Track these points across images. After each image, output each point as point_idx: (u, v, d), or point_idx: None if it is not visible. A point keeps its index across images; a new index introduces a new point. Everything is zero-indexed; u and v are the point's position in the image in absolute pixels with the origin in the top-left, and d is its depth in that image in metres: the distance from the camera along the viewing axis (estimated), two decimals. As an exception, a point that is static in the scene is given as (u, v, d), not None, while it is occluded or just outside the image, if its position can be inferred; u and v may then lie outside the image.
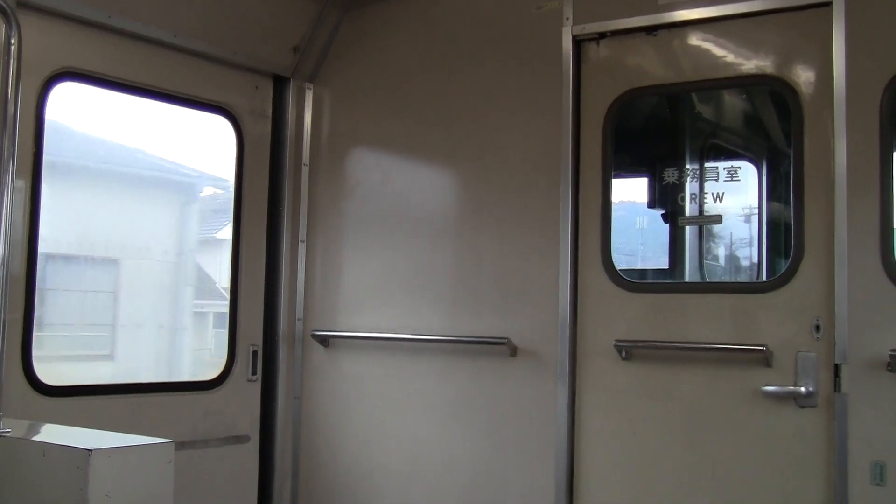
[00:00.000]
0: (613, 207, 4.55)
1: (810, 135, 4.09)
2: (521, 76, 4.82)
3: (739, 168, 4.58)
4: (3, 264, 3.61)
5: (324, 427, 5.32)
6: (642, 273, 5.34)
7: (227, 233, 5.28)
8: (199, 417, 5.02)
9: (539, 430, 4.58)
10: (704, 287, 4.94)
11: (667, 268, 5.18)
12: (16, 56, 3.74)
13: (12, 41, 3.75)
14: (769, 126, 4.89)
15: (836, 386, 3.90)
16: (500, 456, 4.72)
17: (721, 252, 5.29)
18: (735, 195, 4.52)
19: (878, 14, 3.98)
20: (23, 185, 4.21)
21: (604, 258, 4.51)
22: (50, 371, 4.39)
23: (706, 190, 4.47)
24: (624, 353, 4.40)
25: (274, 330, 5.41)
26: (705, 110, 5.10)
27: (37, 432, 3.38)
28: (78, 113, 4.98)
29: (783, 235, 4.38)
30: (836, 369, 3.90)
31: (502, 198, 4.83)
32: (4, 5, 3.71)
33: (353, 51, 5.43)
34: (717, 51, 4.37)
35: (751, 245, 5.13)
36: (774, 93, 4.40)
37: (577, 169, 4.60)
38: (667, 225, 5.06)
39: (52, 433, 3.32)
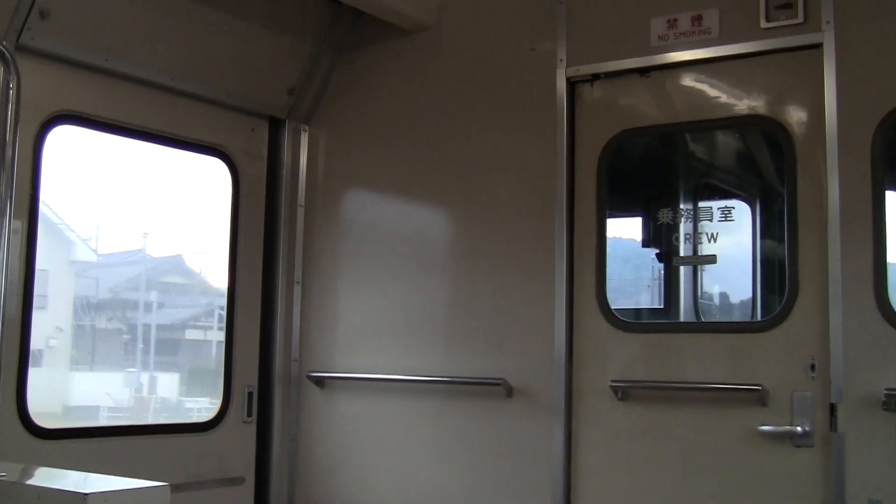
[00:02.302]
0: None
1: (803, 174, 4.11)
2: (516, 117, 4.85)
3: (733, 208, 4.60)
4: (-1, 306, 3.61)
5: (319, 468, 5.29)
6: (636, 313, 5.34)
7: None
8: (194, 459, 4.98)
9: (535, 470, 4.55)
10: (700, 327, 4.95)
11: (661, 307, 5.19)
12: (14, 100, 3.75)
13: (11, 85, 3.77)
14: (762, 165, 4.91)
15: (832, 425, 3.90)
16: (497, 497, 4.69)
17: (715, 291, 5.30)
18: (729, 235, 4.53)
19: (867, 54, 4.02)
20: (19, 226, 4.22)
21: (599, 298, 4.51)
22: None
23: (700, 230, 4.48)
24: (620, 394, 4.39)
25: (269, 371, 5.39)
26: (699, 150, 5.12)
27: (31, 476, 3.35)
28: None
29: (777, 274, 4.39)
30: (832, 408, 3.90)
31: (497, 238, 4.84)
32: (4, 50, 3.73)
33: (349, 92, 5.46)
34: (710, 92, 4.41)
35: (745, 284, 5.13)
36: (767, 133, 4.43)
37: (571, 209, 4.62)
38: (661, 264, 5.08)
39: (48, 477, 3.30)
